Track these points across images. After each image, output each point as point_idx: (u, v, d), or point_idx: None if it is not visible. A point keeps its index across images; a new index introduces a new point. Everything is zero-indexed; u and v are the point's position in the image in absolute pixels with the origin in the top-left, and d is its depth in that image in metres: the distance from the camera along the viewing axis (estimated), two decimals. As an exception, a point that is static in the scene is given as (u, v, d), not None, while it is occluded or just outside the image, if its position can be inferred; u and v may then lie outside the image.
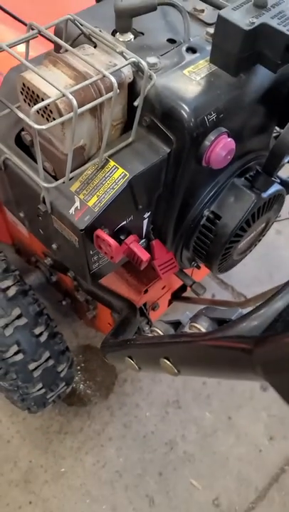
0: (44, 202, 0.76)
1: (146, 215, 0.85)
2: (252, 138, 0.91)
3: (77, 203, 0.75)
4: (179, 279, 1.26)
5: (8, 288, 1.08)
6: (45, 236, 0.88)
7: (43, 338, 1.10)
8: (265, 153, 0.96)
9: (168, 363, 0.55)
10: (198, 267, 1.07)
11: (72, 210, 0.75)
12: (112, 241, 0.74)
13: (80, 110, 0.64)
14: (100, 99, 0.66)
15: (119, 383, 1.57)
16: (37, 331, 1.09)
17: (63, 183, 0.73)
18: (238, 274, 1.92)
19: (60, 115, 0.66)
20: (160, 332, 0.66)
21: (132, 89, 0.76)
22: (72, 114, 0.63)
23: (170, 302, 1.35)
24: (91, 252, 0.80)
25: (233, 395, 1.57)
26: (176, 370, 0.54)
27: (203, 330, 0.53)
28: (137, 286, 1.12)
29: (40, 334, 1.10)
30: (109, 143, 0.77)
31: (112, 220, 0.78)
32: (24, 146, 0.82)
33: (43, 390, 1.15)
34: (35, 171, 0.75)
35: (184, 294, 1.36)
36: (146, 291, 1.12)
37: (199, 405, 1.55)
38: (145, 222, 0.87)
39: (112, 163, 0.75)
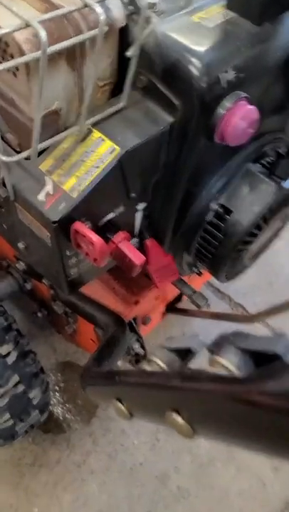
0: (4, 185, 0.57)
1: (141, 206, 0.67)
2: (272, 113, 0.73)
3: (49, 187, 0.56)
4: (175, 288, 1.08)
5: None
6: (10, 232, 0.69)
7: (11, 359, 0.90)
8: (281, 135, 0.79)
9: (179, 418, 0.36)
10: (200, 274, 0.89)
11: (41, 196, 0.56)
12: (95, 237, 0.55)
13: (51, 49, 0.45)
14: (80, 37, 0.48)
15: (102, 406, 1.37)
16: (3, 350, 0.89)
17: (27, 159, 0.54)
18: (234, 282, 1.75)
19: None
20: (161, 364, 0.47)
21: (123, 39, 0.58)
22: (39, 53, 0.44)
23: (163, 314, 1.16)
24: (68, 253, 0.61)
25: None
26: (191, 430, 0.36)
27: (234, 369, 0.35)
28: (126, 297, 0.93)
29: (8, 354, 0.90)
30: (93, 109, 0.58)
31: (96, 211, 0.59)
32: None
33: (11, 422, 0.95)
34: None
35: (180, 304, 1.18)
36: (137, 303, 0.93)
37: (194, 431, 1.36)
38: (138, 215, 0.68)
39: (96, 133, 0.57)
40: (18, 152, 0.61)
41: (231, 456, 1.33)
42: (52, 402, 1.35)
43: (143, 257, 0.62)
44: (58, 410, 1.35)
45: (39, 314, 1.21)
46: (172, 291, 1.07)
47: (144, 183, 0.63)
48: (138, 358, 1.00)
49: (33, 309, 1.26)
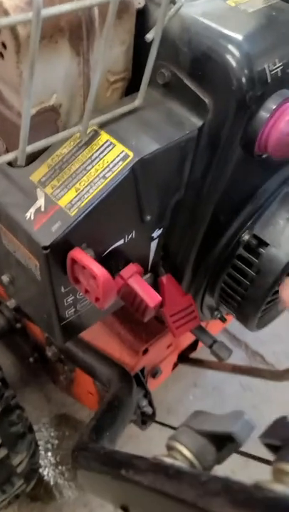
0: (-15, 199, 0.44)
1: (157, 233, 0.53)
2: None
3: (41, 202, 0.43)
4: (189, 336, 0.93)
5: None
6: (-7, 262, 0.56)
7: (-9, 417, 0.75)
8: None
9: None
10: (224, 320, 0.74)
11: (30, 214, 0.43)
12: (98, 269, 0.41)
13: (47, 12, 0.33)
14: (86, 1, 0.36)
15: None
16: (-17, 406, 0.74)
17: (11, 165, 0.42)
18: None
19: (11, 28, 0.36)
20: (188, 455, 0.32)
21: (142, 25, 0.46)
22: (30, 15, 0.32)
23: (175, 365, 1.00)
24: (62, 290, 0.47)
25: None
26: None
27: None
28: (134, 344, 0.78)
29: (-12, 411, 0.74)
30: (101, 109, 0.46)
31: (101, 236, 0.45)
32: None
33: (-11, 494, 0.78)
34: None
35: (193, 354, 1.02)
36: (145, 352, 0.78)
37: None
38: (154, 245, 0.55)
39: (104, 135, 0.44)
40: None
41: None
42: (42, 464, 1.17)
43: (159, 297, 0.48)
44: (49, 474, 1.17)
45: (31, 359, 1.05)
46: (186, 339, 0.92)
47: (163, 203, 0.50)
48: (145, 419, 0.84)
49: (26, 353, 1.10)
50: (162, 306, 0.59)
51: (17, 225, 0.43)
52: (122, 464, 0.35)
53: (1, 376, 0.80)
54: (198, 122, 0.46)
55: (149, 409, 0.85)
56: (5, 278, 0.54)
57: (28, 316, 0.89)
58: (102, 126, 0.45)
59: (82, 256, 0.42)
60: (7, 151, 0.48)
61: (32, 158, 0.45)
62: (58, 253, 0.42)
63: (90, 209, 0.41)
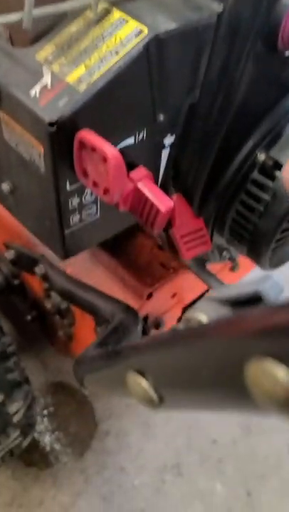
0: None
1: (169, 140, 0.50)
2: None
3: (47, 79, 0.39)
4: (195, 288, 0.90)
5: None
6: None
7: (-14, 359, 0.71)
8: None
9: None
10: (234, 262, 0.71)
11: (35, 91, 0.39)
12: (110, 149, 0.38)
13: None
14: None
15: (99, 436, 1.16)
16: (-21, 346, 0.71)
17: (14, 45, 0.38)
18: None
19: None
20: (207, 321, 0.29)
21: None
22: None
23: (178, 321, 0.97)
24: (68, 187, 0.44)
25: (253, 459, 1.16)
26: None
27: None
28: (138, 288, 0.75)
29: (-16, 352, 0.71)
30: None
31: (111, 122, 0.42)
32: None
33: (-17, 443, 0.75)
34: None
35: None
36: (150, 296, 0.75)
37: (208, 473, 1.13)
38: (165, 155, 0.51)
39: (116, 13, 0.41)
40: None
41: (252, 505, 1.09)
42: (38, 430, 1.13)
43: (171, 202, 0.45)
44: (45, 439, 1.13)
45: (29, 317, 1.02)
46: (191, 291, 0.88)
47: (176, 102, 0.47)
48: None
49: (22, 315, 1.07)
50: (172, 227, 0.55)
51: (21, 104, 0.39)
52: (135, 345, 0.31)
53: (-2, 322, 0.76)
54: (217, 8, 0.43)
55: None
56: (5, 186, 0.50)
57: (27, 268, 0.86)
58: (114, 4, 0.41)
59: (92, 136, 0.38)
60: (10, 37, 0.44)
61: (36, 38, 0.42)
62: (64, 133, 0.39)
63: (100, 85, 0.38)
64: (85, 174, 0.42)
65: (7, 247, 0.91)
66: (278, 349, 0.18)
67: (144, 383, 0.27)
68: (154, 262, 0.78)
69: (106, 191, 0.41)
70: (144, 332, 0.80)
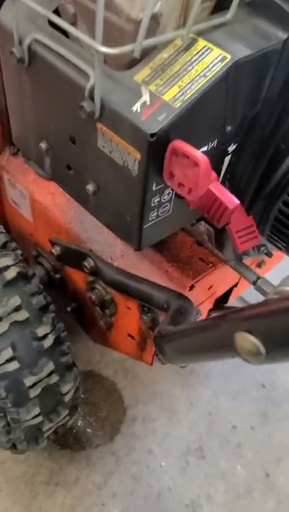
0: (92, 97, 0.48)
1: (231, 147, 0.58)
2: None
3: (146, 97, 0.47)
4: (226, 281, 0.98)
5: (6, 268, 0.78)
6: (78, 173, 0.60)
7: (47, 343, 0.79)
8: None
9: None
10: (270, 255, 0.79)
11: (136, 107, 0.47)
12: (201, 155, 0.45)
13: None
14: None
15: (127, 422, 1.23)
16: (40, 331, 0.78)
17: (120, 69, 0.46)
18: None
19: None
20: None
21: None
22: None
23: (208, 313, 1.05)
24: (154, 187, 0.52)
25: (270, 443, 1.24)
26: None
27: None
28: (181, 280, 0.82)
29: (45, 337, 0.78)
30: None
31: (196, 133, 0.50)
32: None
33: (40, 418, 0.82)
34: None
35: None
36: (192, 288, 0.83)
37: (228, 456, 1.21)
38: (227, 159, 0.59)
39: (201, 42, 0.49)
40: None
41: (270, 485, 1.17)
42: (72, 414, 1.20)
43: (237, 201, 0.53)
44: (77, 424, 1.21)
45: (68, 309, 1.09)
46: (223, 284, 0.96)
47: (242, 114, 0.54)
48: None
49: (60, 308, 1.14)
50: (229, 223, 0.63)
51: (123, 118, 0.47)
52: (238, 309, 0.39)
53: (54, 309, 0.84)
54: (283, 35, 0.51)
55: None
56: (90, 187, 0.58)
57: (74, 263, 0.92)
58: (199, 34, 0.49)
59: (184, 144, 0.46)
60: (104, 58, 0.52)
61: (130, 64, 0.49)
62: (160, 143, 0.46)
63: (192, 102, 0.46)
64: (171, 176, 0.50)
65: (53, 243, 0.97)
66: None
67: (253, 339, 0.34)
68: (195, 256, 0.86)
69: (190, 191, 0.49)
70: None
